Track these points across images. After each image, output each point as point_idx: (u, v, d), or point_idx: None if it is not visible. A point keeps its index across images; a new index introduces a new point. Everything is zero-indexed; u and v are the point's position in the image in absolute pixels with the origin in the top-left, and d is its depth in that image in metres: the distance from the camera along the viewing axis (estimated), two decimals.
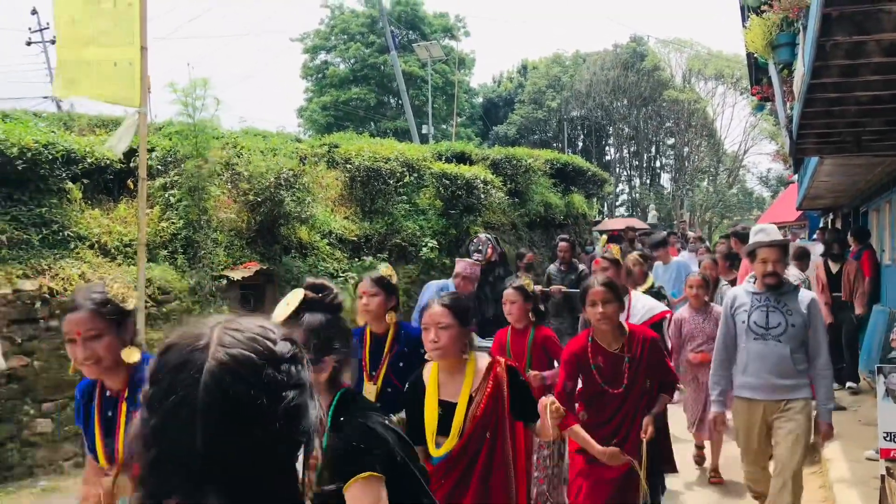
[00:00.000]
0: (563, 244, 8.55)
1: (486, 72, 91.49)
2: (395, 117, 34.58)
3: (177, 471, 0.95)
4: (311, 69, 36.96)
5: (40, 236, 6.61)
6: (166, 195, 7.95)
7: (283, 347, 1.04)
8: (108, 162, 7.67)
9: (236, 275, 7.78)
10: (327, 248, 9.27)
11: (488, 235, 7.87)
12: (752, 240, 4.09)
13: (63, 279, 6.45)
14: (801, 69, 6.12)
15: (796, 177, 12.63)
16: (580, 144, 42.13)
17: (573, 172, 15.89)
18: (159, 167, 8.15)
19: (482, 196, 11.34)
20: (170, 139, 8.91)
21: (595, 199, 17.85)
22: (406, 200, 11.00)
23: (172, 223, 7.78)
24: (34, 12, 31.20)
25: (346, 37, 35.89)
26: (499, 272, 7.59)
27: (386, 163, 10.66)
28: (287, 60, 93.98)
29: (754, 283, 4.10)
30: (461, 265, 6.26)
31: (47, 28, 30.81)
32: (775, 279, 3.95)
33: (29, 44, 31.59)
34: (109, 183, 7.84)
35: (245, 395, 0.96)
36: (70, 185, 7.18)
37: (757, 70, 9.08)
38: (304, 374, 1.06)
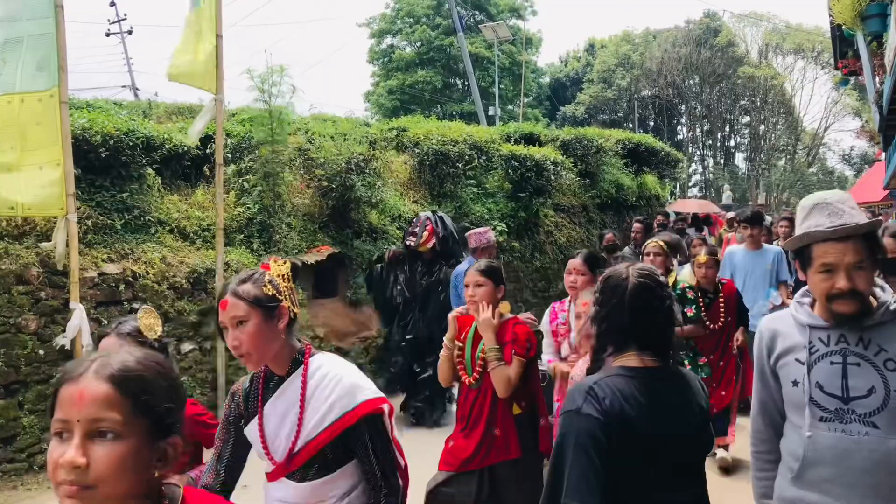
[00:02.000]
0: (637, 226, 8.37)
1: (553, 51, 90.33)
2: (462, 99, 34.49)
3: (613, 334, 2.02)
4: (378, 53, 37.16)
5: (123, 221, 6.83)
6: (241, 181, 8.11)
7: (663, 280, 2.09)
8: (185, 148, 7.85)
9: (310, 258, 7.89)
10: (397, 231, 9.31)
11: (430, 215, 7.23)
12: (802, 223, 2.14)
13: (145, 262, 6.66)
14: (893, 40, 5.79)
15: (884, 154, 12.07)
16: (651, 124, 41.23)
17: (645, 153, 15.54)
18: (233, 154, 8.32)
19: (552, 178, 11.19)
20: (243, 125, 9.08)
21: (668, 180, 17.41)
22: (474, 183, 10.96)
23: (248, 208, 7.94)
24: (112, 4, 32.22)
25: (411, 20, 35.92)
26: (440, 267, 7.02)
27: (454, 146, 10.62)
28: (354, 45, 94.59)
29: (811, 306, 2.20)
30: (473, 238, 6.79)
31: (124, 19, 31.82)
32: (856, 304, 2.03)
33: (108, 34, 32.67)
34: (187, 169, 8.03)
35: (651, 297, 2.01)
36: (150, 171, 7.39)
37: (842, 42, 8.65)
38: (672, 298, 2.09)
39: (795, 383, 2.13)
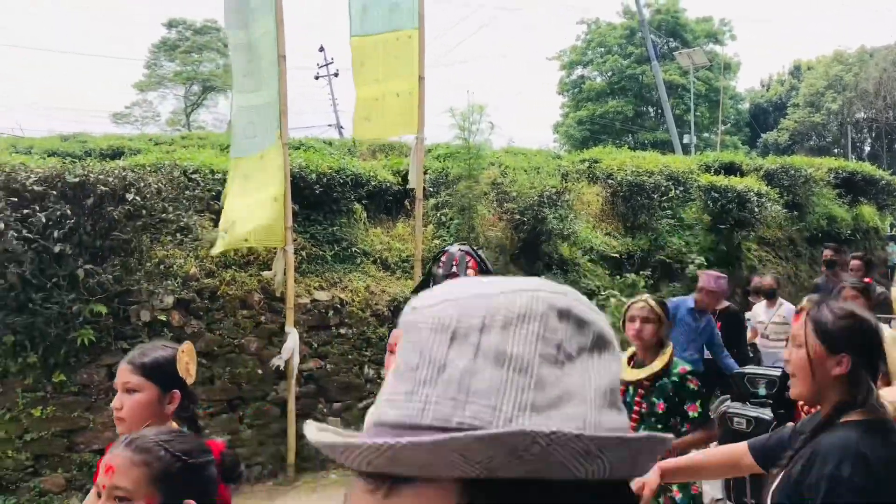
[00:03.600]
0: (855, 262, 7.67)
1: (752, 76, 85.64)
2: (654, 128, 33.60)
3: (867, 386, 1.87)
4: (568, 84, 37.21)
5: (332, 252, 7.35)
6: (438, 214, 8.44)
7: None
8: (388, 184, 8.34)
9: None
10: (588, 264, 9.22)
11: (465, 248, 6.55)
12: None
13: (351, 291, 7.11)
14: None
15: None
16: (867, 149, 37.73)
17: (862, 182, 14.23)
18: (431, 188, 8.68)
19: (755, 209, 10.57)
20: (439, 160, 9.47)
21: (887, 211, 15.80)
22: (671, 215, 10.61)
23: (444, 240, 8.23)
24: (321, 49, 34.92)
25: (602, 50, 35.67)
26: None
27: (649, 177, 10.37)
28: (543, 78, 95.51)
29: None
30: (705, 278, 5.86)
31: (332, 63, 34.32)
32: None
33: (317, 77, 35.38)
34: (389, 203, 8.50)
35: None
36: (357, 205, 7.91)
37: None
38: None
39: None
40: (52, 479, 5.61)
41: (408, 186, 7.61)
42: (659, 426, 3.36)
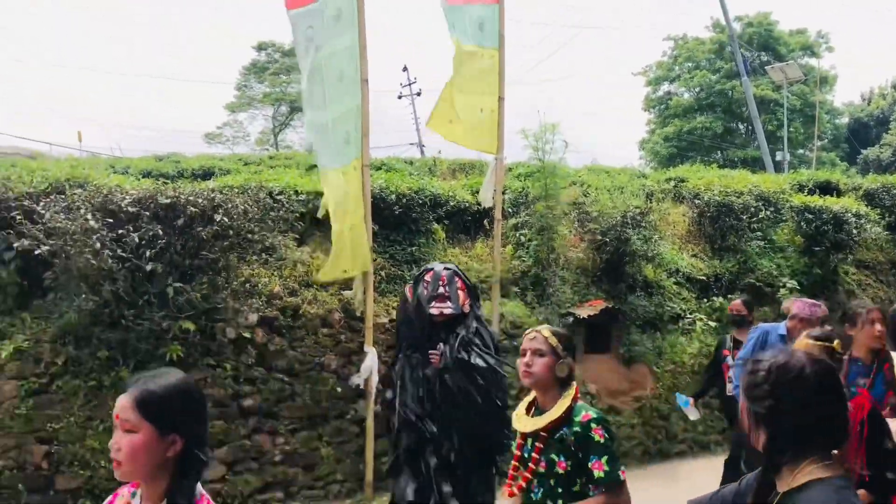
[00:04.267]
0: None
1: (852, 89, 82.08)
2: (745, 145, 32.58)
3: (793, 435, 1.72)
4: (654, 101, 36.53)
5: (411, 272, 7.38)
6: (517, 234, 8.39)
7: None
8: (466, 204, 8.35)
9: (582, 312, 7.86)
10: (674, 287, 8.95)
11: (452, 267, 5.63)
12: None
13: None
14: None
15: None
16: None
17: None
18: (510, 208, 8.64)
19: (854, 231, 10.04)
20: (520, 180, 9.41)
21: None
22: (761, 237, 10.20)
23: (523, 261, 8.17)
24: (405, 69, 35.52)
25: (690, 65, 34.88)
26: (465, 329, 5.25)
27: (738, 197, 10.01)
28: (628, 94, 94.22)
29: None
30: (800, 305, 5.30)
31: (414, 83, 34.82)
32: None
33: (400, 97, 35.97)
34: (467, 223, 8.50)
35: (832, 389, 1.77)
36: (436, 226, 7.95)
37: None
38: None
39: None
40: None
41: (481, 203, 7.59)
42: (560, 490, 2.79)
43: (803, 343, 3.30)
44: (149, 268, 5.67)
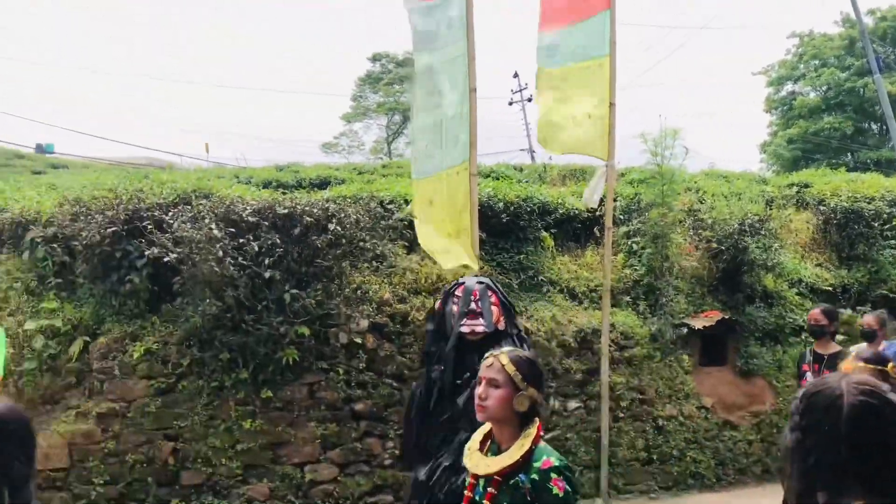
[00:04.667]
0: None
1: None
2: (878, 146, 30.53)
3: (824, 474, 1.45)
4: (776, 101, 34.84)
5: (519, 280, 7.37)
6: (629, 242, 8.20)
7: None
8: (576, 212, 8.24)
9: (697, 323, 7.60)
10: (796, 298, 8.49)
11: (485, 280, 5.20)
12: None
13: (537, 320, 7.07)
14: None
15: None
16: None
17: None
18: (622, 215, 8.46)
19: None
20: (632, 186, 9.19)
21: None
22: (894, 245, 9.52)
23: (635, 270, 7.98)
24: (516, 75, 35.51)
25: (817, 62, 33.05)
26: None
27: (869, 202, 9.38)
28: (748, 95, 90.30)
29: None
30: None
31: (525, 89, 34.75)
32: None
33: (510, 104, 36.00)
34: (577, 231, 8.39)
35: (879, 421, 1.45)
36: (544, 233, 7.88)
37: None
38: None
39: None
40: (258, 488, 6.07)
41: (584, 204, 7.44)
42: None
43: (852, 365, 3.02)
44: (267, 275, 5.93)
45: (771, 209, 8.98)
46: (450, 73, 6.32)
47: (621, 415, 7.12)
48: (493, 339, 4.67)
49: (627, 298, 7.80)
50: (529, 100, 34.59)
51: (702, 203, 8.78)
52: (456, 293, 5.01)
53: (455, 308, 4.90)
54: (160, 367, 6.08)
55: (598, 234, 8.27)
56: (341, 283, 6.57)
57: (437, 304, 5.25)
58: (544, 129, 6.91)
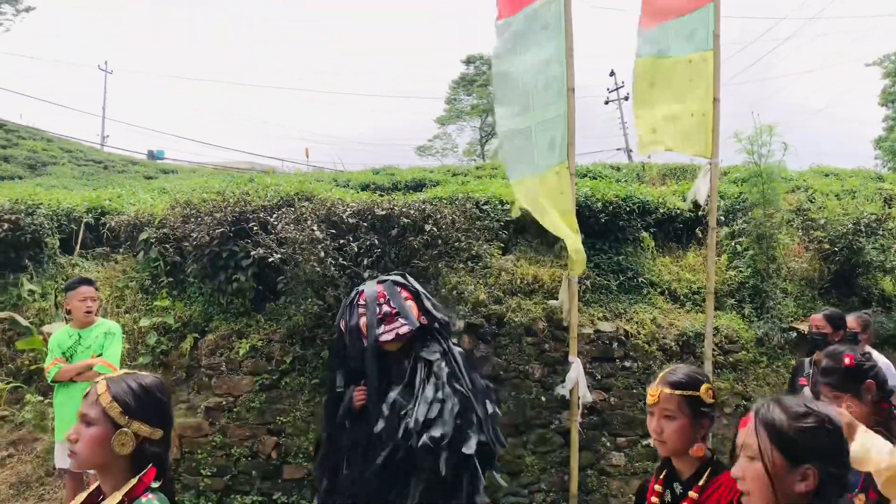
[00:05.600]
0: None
1: None
2: None
3: None
4: (893, 94, 32.85)
5: (617, 282, 7.22)
6: (733, 243, 7.90)
7: None
8: (677, 212, 8.01)
9: (806, 327, 7.22)
10: None
11: (390, 278, 4.59)
12: None
13: (637, 323, 6.90)
14: None
15: None
16: None
17: None
18: (725, 215, 8.17)
19: None
20: (736, 185, 8.86)
21: None
22: None
23: (740, 271, 7.68)
24: (612, 73, 34.94)
25: None
26: (420, 362, 4.27)
27: None
28: (860, 88, 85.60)
29: None
30: None
31: (622, 87, 34.12)
32: None
33: (606, 102, 35.46)
34: (678, 231, 8.14)
35: None
36: (644, 234, 7.69)
37: None
38: None
39: None
40: None
41: (688, 200, 7.21)
42: None
43: None
44: (366, 275, 6.02)
45: (889, 208, 8.46)
46: (545, 74, 6.27)
47: (725, 421, 6.85)
48: (416, 341, 4.19)
49: (732, 301, 7.51)
50: (626, 98, 33.98)
51: (811, 202, 8.38)
52: (358, 302, 4.29)
53: (363, 320, 4.19)
54: (264, 364, 6.28)
55: (699, 235, 8.01)
56: (437, 283, 6.61)
57: (342, 325, 4.45)
58: (644, 129, 6.76)
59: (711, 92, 6.61)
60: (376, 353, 4.13)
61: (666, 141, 6.69)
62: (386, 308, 4.17)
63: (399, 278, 4.50)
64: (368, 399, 4.15)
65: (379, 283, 4.43)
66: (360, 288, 4.45)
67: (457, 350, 4.54)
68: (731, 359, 7.02)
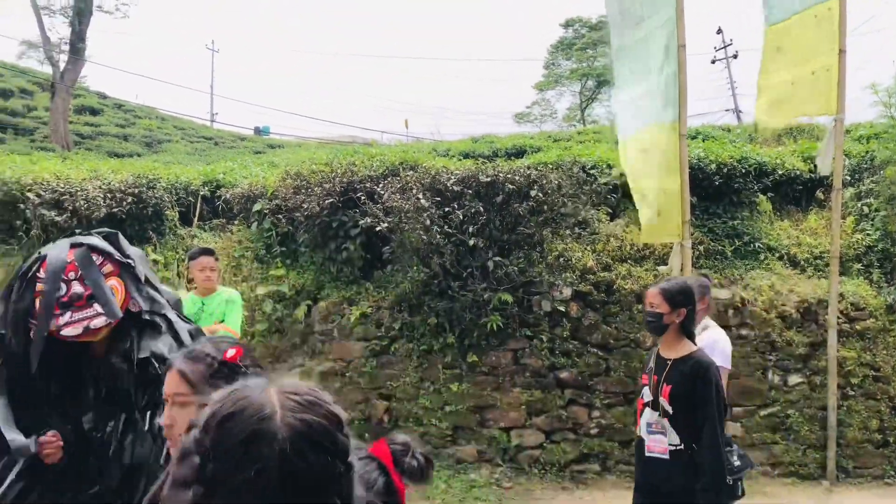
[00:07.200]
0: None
1: None
2: None
3: None
4: None
5: (733, 247, 6.92)
6: (860, 205, 7.41)
7: (339, 410, 1.02)
8: (797, 173, 7.57)
9: None
10: None
11: (78, 241, 2.75)
12: None
13: (753, 289, 6.61)
14: None
15: None
16: None
17: None
18: (850, 175, 7.66)
19: None
20: (861, 143, 8.30)
21: None
22: None
23: (867, 234, 7.20)
24: (719, 31, 33.35)
25: None
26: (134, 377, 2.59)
27: None
28: None
29: None
30: None
31: (730, 45, 32.54)
32: None
33: (713, 61, 33.90)
34: (797, 193, 7.71)
35: (323, 461, 0.95)
36: (760, 196, 7.33)
37: None
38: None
39: None
40: (467, 450, 6.24)
41: (819, 173, 6.85)
42: None
43: None
44: (471, 243, 6.03)
45: None
46: (662, 37, 6.06)
47: (851, 392, 6.49)
48: (119, 334, 2.72)
49: (858, 266, 7.06)
50: (735, 56, 32.42)
51: None
52: (38, 276, 2.75)
53: (44, 289, 2.71)
54: (374, 330, 6.41)
55: (821, 197, 7.56)
56: (543, 250, 6.53)
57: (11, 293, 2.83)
58: (764, 105, 6.49)
59: (837, 44, 6.18)
60: (44, 345, 2.62)
61: (786, 112, 6.41)
62: (79, 287, 2.72)
63: (100, 242, 2.89)
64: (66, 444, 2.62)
65: (73, 247, 2.84)
66: (44, 252, 2.87)
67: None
68: (857, 327, 6.61)
